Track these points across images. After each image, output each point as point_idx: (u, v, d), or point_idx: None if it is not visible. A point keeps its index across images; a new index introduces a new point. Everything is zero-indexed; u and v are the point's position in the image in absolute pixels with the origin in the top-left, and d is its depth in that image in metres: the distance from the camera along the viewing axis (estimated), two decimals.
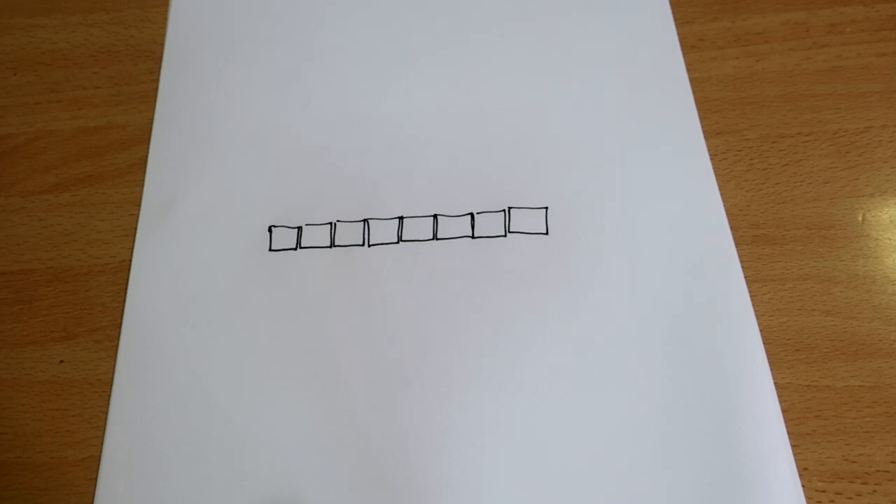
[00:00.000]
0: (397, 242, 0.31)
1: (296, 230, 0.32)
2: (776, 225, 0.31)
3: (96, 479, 0.28)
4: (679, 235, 0.31)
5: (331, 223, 0.32)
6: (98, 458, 0.28)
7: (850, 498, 0.26)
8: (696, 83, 0.35)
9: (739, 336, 0.29)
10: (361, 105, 0.35)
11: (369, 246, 0.31)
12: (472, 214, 0.32)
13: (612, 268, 0.30)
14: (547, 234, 0.31)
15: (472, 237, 0.31)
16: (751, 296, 0.30)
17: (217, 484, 0.27)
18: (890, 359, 0.29)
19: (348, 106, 0.35)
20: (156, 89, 0.36)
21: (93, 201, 0.34)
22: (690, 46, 0.36)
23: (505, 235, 0.31)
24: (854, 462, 0.27)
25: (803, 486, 0.26)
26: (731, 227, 0.31)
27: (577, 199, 0.32)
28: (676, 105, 0.34)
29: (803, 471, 0.27)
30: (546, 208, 0.32)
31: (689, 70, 0.35)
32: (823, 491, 0.26)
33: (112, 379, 0.29)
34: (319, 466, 0.27)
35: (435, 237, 0.31)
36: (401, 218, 0.32)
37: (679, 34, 0.36)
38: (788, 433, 0.27)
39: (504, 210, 0.32)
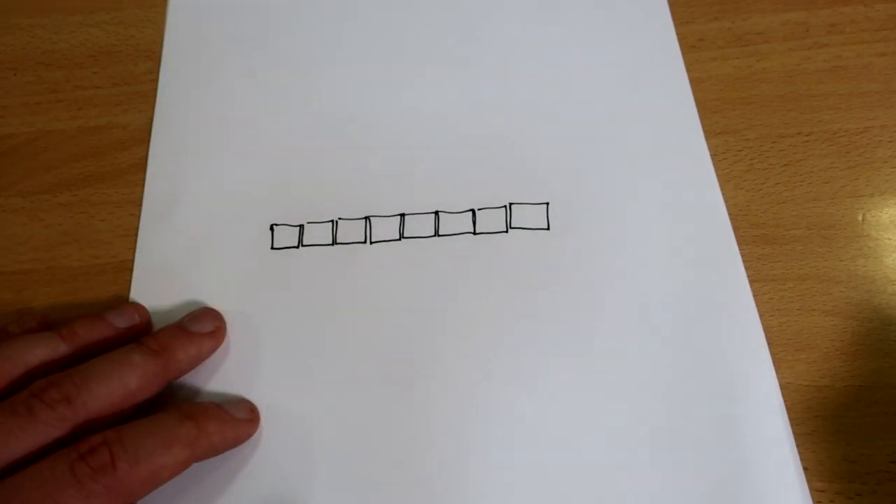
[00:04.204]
0: (399, 239, 0.31)
1: (297, 228, 0.32)
2: (776, 225, 0.31)
3: None
4: (680, 233, 0.31)
5: (332, 221, 0.32)
6: None
7: (850, 498, 0.26)
8: (696, 83, 0.35)
9: (743, 334, 0.29)
10: (362, 102, 0.35)
11: (371, 243, 0.31)
12: (473, 211, 0.32)
13: (613, 264, 0.30)
14: (548, 229, 0.31)
15: (474, 233, 0.31)
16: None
17: (218, 484, 0.27)
18: (890, 359, 0.29)
19: (349, 103, 0.35)
20: (156, 89, 0.36)
21: (93, 201, 0.34)
22: (690, 46, 0.36)
23: (506, 231, 0.31)
24: (854, 462, 0.27)
25: None
26: (732, 227, 0.31)
27: (577, 196, 0.32)
28: (676, 105, 0.34)
29: (803, 470, 0.27)
30: (547, 203, 0.32)
31: (689, 70, 0.35)
32: (823, 491, 0.26)
33: None
34: (322, 465, 0.27)
35: (437, 234, 0.31)
36: (402, 215, 0.32)
37: (679, 34, 0.36)
38: None
39: (505, 206, 0.32)
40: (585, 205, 0.32)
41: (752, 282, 0.30)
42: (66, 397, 0.24)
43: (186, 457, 0.24)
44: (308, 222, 0.32)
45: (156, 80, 0.37)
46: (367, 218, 0.32)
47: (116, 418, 0.25)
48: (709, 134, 0.33)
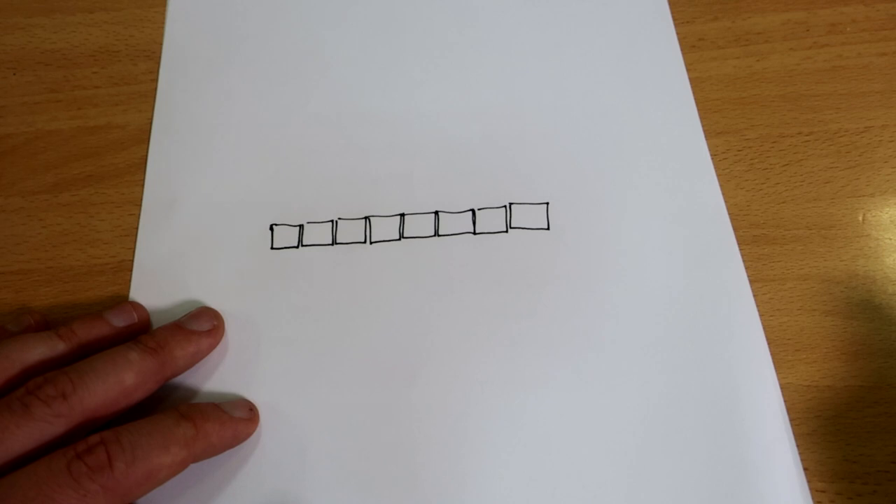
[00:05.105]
0: (399, 239, 0.31)
1: (297, 228, 0.32)
2: (776, 225, 0.31)
3: None
4: (680, 233, 0.31)
5: (332, 221, 0.32)
6: None
7: (850, 498, 0.26)
8: (696, 83, 0.35)
9: (743, 334, 0.29)
10: (362, 102, 0.35)
11: (371, 243, 0.31)
12: (473, 211, 0.32)
13: (614, 264, 0.30)
14: (548, 229, 0.31)
15: (474, 233, 0.31)
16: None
17: (218, 484, 0.27)
18: (890, 359, 0.29)
19: (349, 104, 0.35)
20: (156, 89, 0.36)
21: (93, 201, 0.34)
22: (690, 46, 0.36)
23: (506, 231, 0.31)
24: (854, 462, 0.27)
25: None
26: (732, 227, 0.31)
27: (577, 196, 0.32)
28: (676, 105, 0.34)
29: (804, 471, 0.27)
30: (547, 203, 0.32)
31: (689, 70, 0.35)
32: (823, 491, 0.26)
33: None
34: (321, 465, 0.27)
35: (437, 234, 0.31)
36: (402, 215, 0.32)
37: (679, 34, 0.36)
38: None
39: (505, 206, 0.32)
40: (585, 205, 0.32)
41: (752, 282, 0.30)
42: (62, 393, 0.24)
43: (184, 457, 0.24)
44: (308, 222, 0.32)
45: (156, 80, 0.37)
46: (367, 218, 0.32)
47: (114, 416, 0.25)
48: (709, 134, 0.33)
